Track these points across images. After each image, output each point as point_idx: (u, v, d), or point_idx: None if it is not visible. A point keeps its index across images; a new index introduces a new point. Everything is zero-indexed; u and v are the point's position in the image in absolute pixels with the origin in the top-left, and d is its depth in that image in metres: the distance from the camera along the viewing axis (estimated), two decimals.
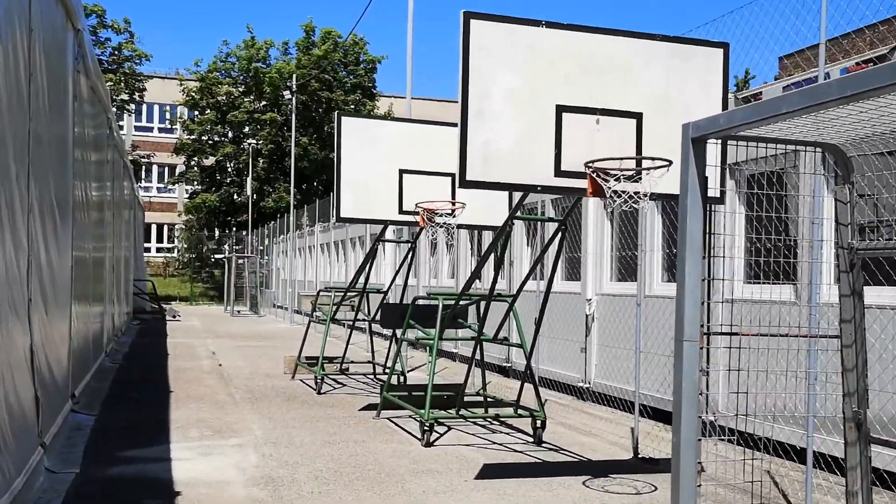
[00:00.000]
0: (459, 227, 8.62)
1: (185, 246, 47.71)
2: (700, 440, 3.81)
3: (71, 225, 8.05)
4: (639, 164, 5.36)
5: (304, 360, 11.63)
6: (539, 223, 11.26)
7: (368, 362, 11.92)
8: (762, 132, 4.10)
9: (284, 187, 40.07)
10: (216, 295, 40.53)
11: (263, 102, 43.46)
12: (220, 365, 12.95)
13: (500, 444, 7.36)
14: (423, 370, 12.86)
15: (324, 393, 10.20)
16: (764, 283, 6.60)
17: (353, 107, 40.63)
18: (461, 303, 7.61)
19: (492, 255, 7.27)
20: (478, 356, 8.04)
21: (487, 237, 13.17)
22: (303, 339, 12.01)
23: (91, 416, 8.04)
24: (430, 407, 7.32)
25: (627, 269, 9.69)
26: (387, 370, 11.23)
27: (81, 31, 8.47)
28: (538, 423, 7.47)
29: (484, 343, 8.21)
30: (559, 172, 5.43)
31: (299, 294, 23.45)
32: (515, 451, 7.13)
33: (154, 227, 51.34)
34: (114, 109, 14.35)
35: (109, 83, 40.10)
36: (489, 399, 8.80)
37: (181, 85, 43.67)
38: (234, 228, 43.76)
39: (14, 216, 5.20)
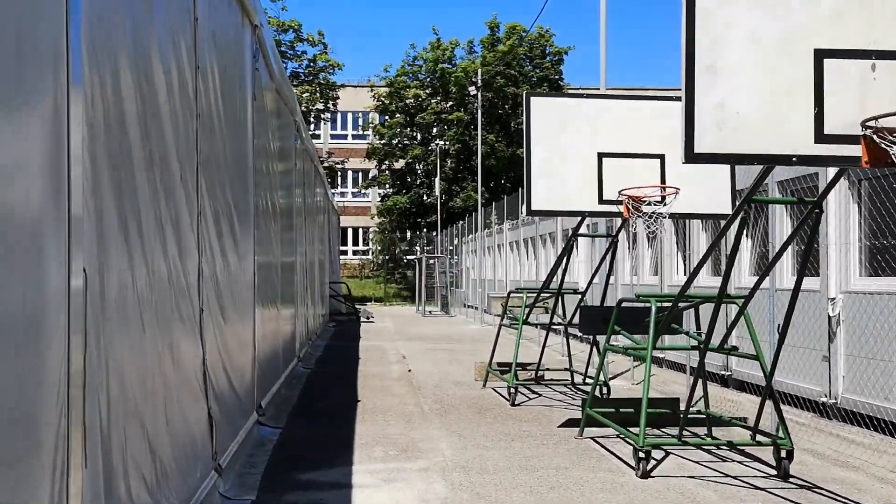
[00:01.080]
0: (672, 216, 7.38)
1: (379, 248, 49.04)
2: None
3: (252, 230, 7.71)
4: None
5: (495, 367, 10.81)
6: (761, 208, 9.68)
7: (565, 370, 10.89)
8: None
9: (472, 186, 39.90)
10: (409, 295, 41.16)
11: (450, 103, 43.62)
12: (410, 371, 12.45)
13: (735, 478, 6.06)
14: (626, 377, 11.63)
15: (518, 405, 9.30)
16: None
17: None
18: (679, 305, 6.38)
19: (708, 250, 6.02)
20: (686, 367, 6.78)
21: (696, 228, 11.68)
22: (493, 343, 11.20)
23: (276, 429, 7.65)
24: (644, 428, 6.18)
25: (883, 260, 7.94)
26: (587, 380, 10.14)
27: (260, 27, 8.12)
28: (783, 452, 6.09)
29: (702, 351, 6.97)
30: (821, 137, 4.14)
31: (489, 295, 22.82)
32: (756, 487, 5.81)
33: (350, 231, 53.32)
34: (301, 117, 14.32)
35: (306, 93, 41.97)
36: (712, 417, 7.47)
37: (372, 91, 44.85)
38: (425, 229, 44.30)
39: (179, 219, 4.71)
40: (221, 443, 5.62)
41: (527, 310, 10.14)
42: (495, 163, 40.80)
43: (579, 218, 9.10)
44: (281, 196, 10.51)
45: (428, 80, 43.94)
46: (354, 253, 53.55)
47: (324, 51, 42.42)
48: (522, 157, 8.00)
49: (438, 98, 43.77)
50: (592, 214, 8.04)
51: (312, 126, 46.22)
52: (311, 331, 16.43)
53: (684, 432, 6.89)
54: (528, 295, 10.26)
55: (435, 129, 43.86)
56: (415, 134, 44.72)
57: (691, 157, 4.14)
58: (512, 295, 11.35)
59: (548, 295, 10.21)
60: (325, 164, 43.90)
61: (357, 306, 27.31)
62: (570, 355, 11.02)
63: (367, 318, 25.55)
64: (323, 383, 11.13)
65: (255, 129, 8.02)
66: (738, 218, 5.15)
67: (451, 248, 36.96)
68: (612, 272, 9.96)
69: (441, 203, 40.94)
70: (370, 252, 52.21)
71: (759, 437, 6.37)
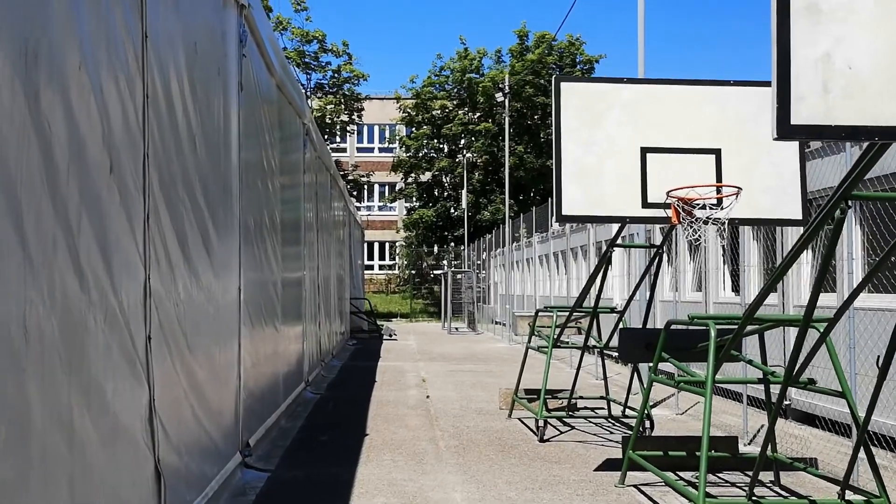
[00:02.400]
0: (731, 222, 6.18)
1: (405, 263, 48.02)
2: None
3: (238, 240, 6.66)
4: None
5: (521, 395, 9.63)
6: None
7: (601, 398, 9.67)
8: None
9: (500, 199, 38.77)
10: (435, 311, 40.02)
11: (478, 113, 42.61)
12: (428, 397, 11.30)
13: None
14: (669, 405, 10.38)
15: (547, 440, 8.11)
16: None
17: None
18: (748, 329, 5.19)
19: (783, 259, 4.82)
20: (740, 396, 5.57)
21: (747, 237, 10.43)
22: (520, 368, 10.01)
23: (265, 472, 6.56)
24: (704, 483, 4.97)
25: None
26: (626, 411, 8.92)
27: (248, 7, 7.10)
28: None
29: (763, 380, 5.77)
30: None
31: (514, 314, 21.56)
32: None
33: (376, 245, 52.37)
34: (313, 121, 13.28)
35: (331, 105, 41.23)
36: (779, 461, 6.24)
37: (398, 103, 43.98)
38: (452, 243, 43.22)
39: (107, 223, 3.65)
40: (178, 502, 4.54)
41: (557, 331, 8.95)
42: (524, 174, 39.66)
43: (615, 226, 7.95)
44: (284, 207, 9.45)
45: (455, 90, 42.98)
46: (381, 268, 52.55)
47: (348, 61, 41.65)
48: (552, 168, 6.86)
49: (466, 109, 42.77)
50: (635, 221, 6.85)
51: (338, 138, 45.44)
52: (326, 351, 15.36)
53: (747, 477, 5.66)
54: (559, 314, 9.07)
55: (462, 141, 42.84)
56: (441, 146, 43.74)
57: (786, 131, 2.99)
58: (540, 314, 10.15)
59: (581, 314, 9.02)
60: (350, 177, 43.07)
61: (379, 323, 26.23)
62: (605, 381, 9.81)
63: (390, 335, 24.46)
64: (331, 412, 10.03)
65: (244, 126, 6.98)
66: (832, 220, 3.97)
67: (478, 262, 35.82)
68: (655, 288, 8.79)
69: (468, 216, 39.84)
70: (396, 267, 51.18)
71: (848, 496, 5.13)
